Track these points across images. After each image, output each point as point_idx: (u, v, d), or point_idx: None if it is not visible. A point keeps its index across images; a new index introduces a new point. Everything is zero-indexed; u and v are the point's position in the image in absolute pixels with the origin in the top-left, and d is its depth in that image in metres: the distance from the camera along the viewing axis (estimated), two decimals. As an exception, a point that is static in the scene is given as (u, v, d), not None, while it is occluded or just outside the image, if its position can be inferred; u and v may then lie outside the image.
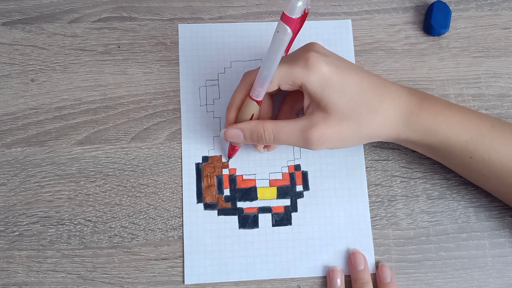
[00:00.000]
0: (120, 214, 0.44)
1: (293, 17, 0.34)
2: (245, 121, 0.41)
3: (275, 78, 0.39)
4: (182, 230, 0.44)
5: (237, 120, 0.42)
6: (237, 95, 0.42)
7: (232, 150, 0.44)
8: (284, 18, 0.34)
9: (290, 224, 0.44)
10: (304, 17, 0.35)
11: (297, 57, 0.39)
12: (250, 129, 0.41)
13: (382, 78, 0.41)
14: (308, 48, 0.40)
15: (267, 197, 0.45)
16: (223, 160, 0.45)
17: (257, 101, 0.40)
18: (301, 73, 0.38)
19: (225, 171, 0.45)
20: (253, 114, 0.41)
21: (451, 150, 0.40)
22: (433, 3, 0.49)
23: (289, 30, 0.34)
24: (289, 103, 0.45)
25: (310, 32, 0.48)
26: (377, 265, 0.44)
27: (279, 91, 0.43)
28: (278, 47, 0.36)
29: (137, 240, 0.44)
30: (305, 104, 0.40)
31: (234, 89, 0.42)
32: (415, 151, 0.46)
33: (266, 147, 0.45)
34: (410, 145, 0.42)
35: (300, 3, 0.33)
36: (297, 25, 0.35)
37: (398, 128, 0.40)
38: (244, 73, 0.42)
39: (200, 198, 0.45)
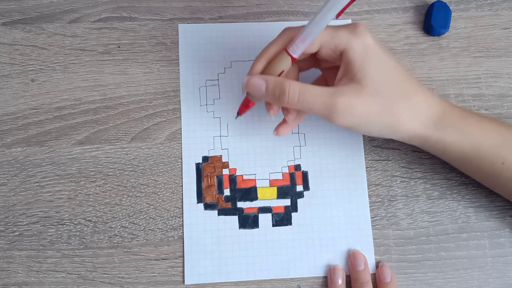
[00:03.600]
0: (120, 214, 0.44)
1: None
2: (272, 75, 0.39)
3: (318, 38, 0.37)
4: (182, 230, 0.44)
5: (264, 73, 0.39)
6: (272, 47, 0.39)
7: (244, 106, 0.42)
8: None
9: (290, 224, 0.44)
10: None
11: (344, 25, 0.38)
12: (274, 82, 0.38)
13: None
14: (356, 23, 0.39)
15: (267, 197, 0.45)
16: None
17: (292, 58, 0.38)
18: (347, 37, 0.37)
19: (225, 171, 0.45)
20: (282, 71, 0.39)
21: (483, 156, 0.39)
22: (433, 3, 0.49)
23: None
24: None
25: (310, 32, 0.48)
26: (377, 265, 0.44)
27: (309, 67, 0.41)
28: (335, 3, 0.35)
29: (137, 240, 0.44)
30: (338, 76, 0.39)
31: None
32: (416, 151, 0.46)
33: (281, 126, 0.42)
34: (439, 150, 0.40)
35: None
36: None
37: (429, 126, 0.38)
38: (284, 28, 0.40)
39: (200, 198, 0.45)
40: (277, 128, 0.42)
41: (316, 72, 0.44)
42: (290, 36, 0.39)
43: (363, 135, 0.46)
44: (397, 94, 0.38)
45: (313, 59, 0.42)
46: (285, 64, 0.38)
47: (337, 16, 0.36)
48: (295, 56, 0.38)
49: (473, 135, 0.39)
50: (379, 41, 0.39)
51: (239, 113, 0.43)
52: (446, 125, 0.39)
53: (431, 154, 0.42)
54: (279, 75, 0.39)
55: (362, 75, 0.37)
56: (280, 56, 0.39)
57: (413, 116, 0.38)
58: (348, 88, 0.37)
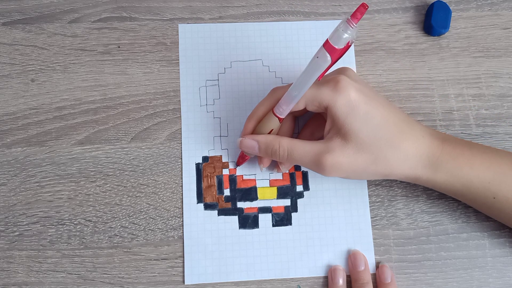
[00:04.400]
0: (120, 214, 0.44)
1: (337, 47, 0.34)
2: (263, 134, 0.41)
3: (302, 97, 0.39)
4: (182, 230, 0.44)
5: (254, 132, 0.42)
6: (261, 108, 0.41)
7: (242, 159, 0.44)
8: (327, 46, 0.35)
9: (290, 224, 0.44)
10: (346, 48, 0.35)
11: (327, 78, 0.39)
12: (266, 143, 0.40)
13: (407, 115, 0.41)
14: (341, 71, 0.40)
15: (267, 197, 0.45)
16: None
17: (279, 118, 0.40)
18: (329, 95, 0.38)
19: (225, 171, 0.45)
20: (271, 130, 0.41)
21: (474, 191, 0.39)
22: (433, 3, 0.49)
23: (328, 58, 0.35)
24: (310, 130, 0.45)
25: (310, 32, 0.48)
26: (377, 265, 0.44)
27: (304, 112, 0.42)
28: (313, 72, 0.36)
29: (137, 240, 0.44)
30: (326, 128, 0.39)
31: (257, 103, 0.42)
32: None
33: (277, 168, 0.44)
34: (430, 186, 0.41)
35: (346, 35, 0.34)
36: (337, 55, 0.35)
37: (418, 169, 0.39)
38: (272, 88, 0.42)
39: (200, 198, 0.45)
40: (276, 167, 0.45)
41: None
42: (277, 96, 0.41)
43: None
44: (383, 144, 0.38)
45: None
46: (273, 124, 0.41)
47: (319, 78, 0.36)
48: (282, 117, 0.40)
49: (463, 174, 0.39)
50: (365, 88, 0.39)
51: (237, 165, 0.45)
52: (436, 167, 0.39)
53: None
54: (269, 132, 0.41)
55: (346, 130, 0.38)
56: (268, 117, 0.41)
57: (401, 163, 0.39)
58: (333, 143, 0.38)
